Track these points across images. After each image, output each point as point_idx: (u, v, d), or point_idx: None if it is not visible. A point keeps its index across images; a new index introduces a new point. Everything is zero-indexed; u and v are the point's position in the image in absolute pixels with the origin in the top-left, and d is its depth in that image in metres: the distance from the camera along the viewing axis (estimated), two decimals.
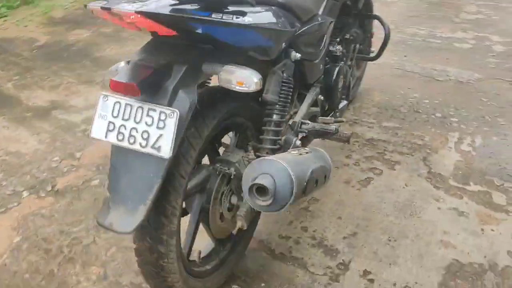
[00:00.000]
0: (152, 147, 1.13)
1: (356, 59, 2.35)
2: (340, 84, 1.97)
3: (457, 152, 2.37)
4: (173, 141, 1.12)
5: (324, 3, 1.77)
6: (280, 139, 1.51)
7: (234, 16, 1.14)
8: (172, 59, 1.19)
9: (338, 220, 1.95)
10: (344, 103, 2.10)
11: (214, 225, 1.49)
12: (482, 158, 2.31)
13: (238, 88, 1.20)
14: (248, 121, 1.53)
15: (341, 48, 1.95)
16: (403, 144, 2.43)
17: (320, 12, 1.73)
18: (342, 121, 1.98)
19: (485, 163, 2.27)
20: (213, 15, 1.11)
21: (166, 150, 1.12)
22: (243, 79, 1.19)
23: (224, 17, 1.12)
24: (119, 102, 1.18)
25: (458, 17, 4.23)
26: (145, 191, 1.14)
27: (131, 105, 1.17)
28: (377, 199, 2.07)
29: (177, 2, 1.12)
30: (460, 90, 2.95)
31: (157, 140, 1.13)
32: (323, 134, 1.60)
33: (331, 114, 2.03)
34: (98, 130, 1.20)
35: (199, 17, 1.10)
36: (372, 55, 2.53)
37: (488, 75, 3.10)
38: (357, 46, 2.24)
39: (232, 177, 1.43)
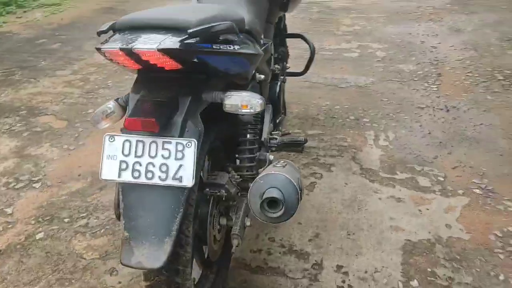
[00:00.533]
0: (174, 178, 1.16)
1: (285, 76, 2.54)
2: (281, 99, 2.12)
3: (378, 147, 2.66)
4: (194, 170, 1.16)
5: (264, 26, 1.92)
6: (255, 156, 1.60)
7: (228, 46, 1.22)
8: (176, 91, 1.23)
9: (299, 225, 2.09)
10: (282, 116, 2.27)
11: (211, 248, 1.52)
12: (399, 149, 2.63)
13: (243, 111, 1.28)
14: (221, 143, 1.60)
15: (278, 67, 2.11)
16: (331, 148, 2.67)
17: (262, 35, 1.88)
18: (289, 133, 2.14)
19: (403, 153, 2.59)
20: (214, 46, 1.18)
21: (188, 179, 1.15)
22: (247, 102, 1.27)
23: (221, 47, 1.20)
24: (128, 140, 1.19)
25: (339, 30, 4.69)
26: (168, 223, 1.16)
27: (143, 141, 1.18)
28: (326, 200, 2.25)
29: (180, 36, 1.16)
30: (362, 94, 3.30)
31: (177, 171, 1.16)
32: (293, 146, 1.73)
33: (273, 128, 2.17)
34: (109, 171, 1.19)
35: (206, 50, 1.17)
36: (289, 71, 2.74)
37: (380, 78, 3.51)
38: (285, 63, 2.42)
39: (223, 199, 1.48)
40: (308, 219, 2.13)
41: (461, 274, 1.81)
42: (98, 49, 1.17)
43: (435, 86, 3.32)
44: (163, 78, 1.27)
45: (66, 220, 2.19)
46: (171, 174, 1.17)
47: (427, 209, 2.17)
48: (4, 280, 1.87)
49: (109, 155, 1.20)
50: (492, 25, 4.46)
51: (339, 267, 1.87)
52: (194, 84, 1.28)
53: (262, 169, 1.53)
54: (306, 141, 1.75)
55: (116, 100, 1.31)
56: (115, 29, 1.24)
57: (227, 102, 1.29)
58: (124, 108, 1.31)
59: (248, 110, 1.28)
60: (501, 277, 1.79)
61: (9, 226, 2.17)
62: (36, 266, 1.93)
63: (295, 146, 1.76)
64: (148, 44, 1.11)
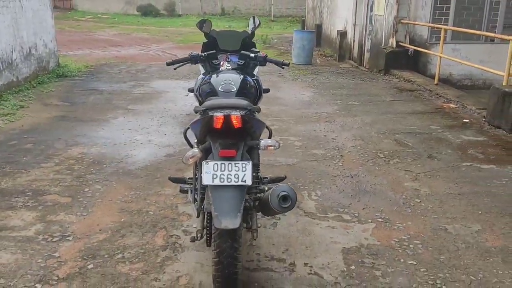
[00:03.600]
0: (242, 180, 2.22)
1: None
2: None
3: (312, 200, 3.85)
4: (251, 176, 2.24)
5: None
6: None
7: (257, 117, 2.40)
8: (237, 139, 2.34)
9: (273, 245, 3.12)
10: None
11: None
12: (325, 200, 3.83)
13: (271, 148, 2.41)
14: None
15: None
16: None
17: None
18: None
19: (329, 203, 3.80)
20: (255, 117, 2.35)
21: (249, 181, 2.23)
22: (272, 144, 2.41)
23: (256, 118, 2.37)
24: (216, 163, 2.24)
25: None
26: (238, 205, 2.19)
27: (224, 163, 2.24)
28: (286, 231, 3.32)
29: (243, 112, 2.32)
30: (292, 169, 4.54)
31: (243, 177, 2.23)
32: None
33: None
34: (206, 179, 2.22)
35: (252, 118, 2.32)
36: None
37: (302, 159, 4.81)
38: None
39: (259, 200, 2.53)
40: (278, 241, 3.17)
41: (378, 261, 2.96)
42: (211, 116, 2.27)
43: (341, 163, 4.70)
44: (230, 133, 2.37)
45: (105, 255, 2.99)
46: (240, 178, 2.23)
47: (351, 231, 3.34)
48: None
49: (206, 171, 2.23)
50: (370, 124, 6.15)
51: (306, 264, 2.92)
52: (244, 136, 2.40)
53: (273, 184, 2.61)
54: (285, 177, 2.90)
55: (197, 147, 2.37)
56: (208, 108, 2.35)
57: (262, 144, 2.41)
58: (201, 151, 2.36)
59: (273, 148, 2.41)
60: (402, 261, 2.97)
61: (62, 263, 2.91)
62: (98, 283, 2.70)
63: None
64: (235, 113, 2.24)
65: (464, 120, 6.34)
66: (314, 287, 2.70)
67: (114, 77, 9.27)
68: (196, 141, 2.80)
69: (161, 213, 3.57)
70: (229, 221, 2.17)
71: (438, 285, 2.72)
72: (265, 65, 3.37)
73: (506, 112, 5.76)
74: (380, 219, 3.53)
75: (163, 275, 2.79)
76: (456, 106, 7.10)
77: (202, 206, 2.44)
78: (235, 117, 2.29)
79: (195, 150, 2.37)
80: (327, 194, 3.97)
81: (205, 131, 2.45)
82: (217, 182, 2.25)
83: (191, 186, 2.82)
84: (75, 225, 3.39)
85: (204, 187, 2.54)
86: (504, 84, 6.27)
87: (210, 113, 2.32)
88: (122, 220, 3.47)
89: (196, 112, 2.53)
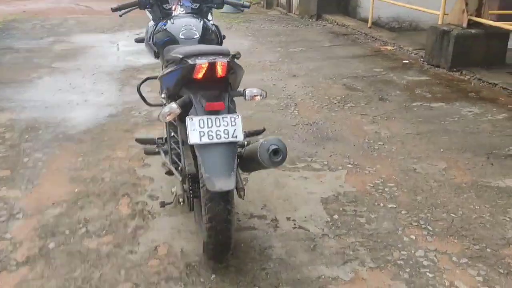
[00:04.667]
0: (232, 136, 1.98)
1: None
2: None
3: None
4: (242, 131, 2.00)
5: None
6: None
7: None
8: (221, 90, 2.07)
9: (250, 202, 2.94)
10: None
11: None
12: (290, 151, 3.70)
13: (258, 98, 2.17)
14: None
15: None
16: None
17: None
18: None
19: (294, 153, 3.66)
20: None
21: (240, 136, 2.00)
22: (259, 93, 2.17)
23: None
24: (202, 119, 1.97)
25: None
26: (231, 164, 1.97)
27: (211, 119, 1.98)
28: (258, 185, 3.15)
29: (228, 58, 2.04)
30: (249, 121, 4.33)
31: (233, 132, 1.99)
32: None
33: None
34: (193, 138, 1.95)
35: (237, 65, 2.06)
36: None
37: (258, 110, 4.61)
38: None
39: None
40: (253, 197, 3.00)
41: (359, 207, 2.89)
42: (193, 65, 1.97)
43: (296, 111, 4.55)
44: (211, 84, 2.09)
45: (67, 232, 2.66)
46: (230, 134, 1.99)
47: (325, 180, 3.24)
48: (43, 277, 2.30)
49: (192, 129, 1.96)
50: (315, 70, 6.03)
51: (288, 218, 2.79)
52: (227, 86, 2.14)
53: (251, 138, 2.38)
54: (264, 130, 2.69)
55: (176, 102, 2.08)
56: (185, 56, 2.04)
57: (247, 94, 2.16)
58: (179, 107, 2.07)
59: (260, 98, 2.18)
60: (382, 205, 2.92)
61: (17, 245, 2.54)
62: (66, 263, 2.39)
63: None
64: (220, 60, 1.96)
65: (404, 61, 6.41)
66: (303, 241, 2.58)
67: (29, 33, 8.33)
68: (164, 95, 2.50)
69: (119, 179, 3.25)
70: (224, 183, 1.94)
71: (423, 226, 2.71)
72: (222, 7, 3.07)
73: (445, 51, 5.88)
74: (349, 165, 3.46)
75: (138, 247, 2.53)
76: (393, 48, 7.17)
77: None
78: (222, 63, 2.02)
79: (173, 105, 2.08)
80: (291, 144, 3.82)
81: (181, 83, 2.15)
82: (205, 140, 1.99)
83: (164, 147, 2.54)
84: (22, 201, 2.98)
85: (182, 147, 2.27)
86: (440, 23, 6.37)
87: (191, 61, 2.02)
88: (76, 190, 3.11)
89: (157, 58, 2.22)
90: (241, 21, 9.60)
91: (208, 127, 2.00)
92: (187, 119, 2.00)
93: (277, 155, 2.11)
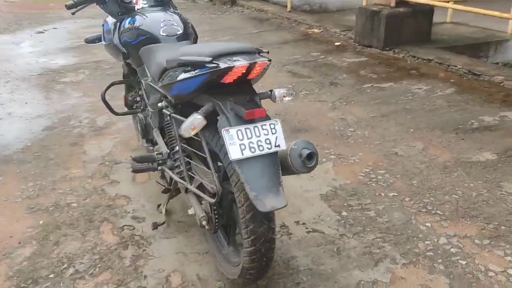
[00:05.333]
0: (275, 146, 1.71)
1: None
2: None
3: None
4: (283, 138, 1.74)
5: None
6: None
7: None
8: (253, 93, 1.79)
9: None
10: None
11: None
12: None
13: (286, 99, 1.90)
14: None
15: None
16: None
17: None
18: None
19: None
20: None
21: (283, 145, 1.73)
22: (288, 93, 1.91)
23: None
24: (240, 130, 1.67)
25: None
26: (277, 177, 1.72)
27: (249, 128, 1.69)
28: None
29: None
30: None
31: (275, 141, 1.72)
32: None
33: None
34: (235, 153, 1.66)
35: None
36: None
37: None
38: None
39: None
40: None
41: (362, 200, 2.78)
42: (231, 67, 1.67)
43: None
44: (238, 87, 1.79)
45: (51, 276, 2.22)
46: (273, 144, 1.72)
47: (315, 175, 3.07)
48: None
49: (230, 143, 1.66)
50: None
51: (297, 222, 2.59)
52: (253, 88, 1.86)
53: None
54: None
55: (199, 113, 1.75)
56: (215, 56, 1.71)
57: (277, 95, 1.89)
58: (205, 118, 1.76)
59: (290, 98, 1.92)
60: (383, 195, 2.84)
61: None
62: None
63: None
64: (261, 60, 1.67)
65: (336, 43, 6.44)
66: (323, 245, 2.40)
67: None
68: (163, 105, 2.16)
69: (89, 203, 2.81)
70: (275, 200, 1.68)
71: (433, 212, 2.66)
72: None
73: (376, 31, 5.98)
74: (332, 156, 3.33)
75: (146, 281, 2.17)
76: (320, 30, 7.19)
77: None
78: (262, 64, 1.73)
79: (197, 117, 1.75)
80: None
81: (203, 89, 1.83)
82: (247, 153, 1.69)
83: (174, 163, 2.18)
84: None
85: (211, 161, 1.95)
86: (364, 4, 6.48)
87: (225, 64, 1.70)
88: (41, 222, 2.63)
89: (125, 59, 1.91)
90: None
91: (248, 138, 1.71)
92: (223, 131, 1.69)
93: (311, 160, 1.89)
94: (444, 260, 2.28)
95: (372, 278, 2.18)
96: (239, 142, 1.69)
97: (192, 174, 2.05)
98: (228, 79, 1.73)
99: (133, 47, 2.48)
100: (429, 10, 6.02)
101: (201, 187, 2.04)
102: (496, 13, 5.17)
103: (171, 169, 2.19)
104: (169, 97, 2.05)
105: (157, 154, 2.26)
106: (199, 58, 1.75)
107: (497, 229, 2.51)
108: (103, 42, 2.79)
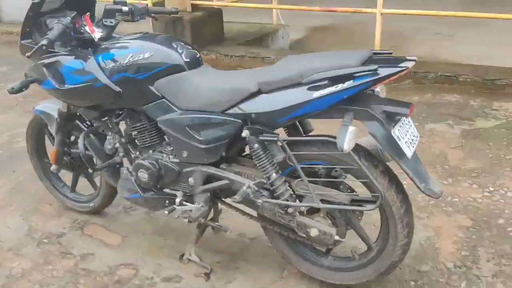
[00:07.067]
0: (416, 137, 1.87)
1: None
2: None
3: None
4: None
5: None
6: None
7: None
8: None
9: None
10: None
11: None
12: None
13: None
14: None
15: None
16: None
17: None
18: None
19: None
20: None
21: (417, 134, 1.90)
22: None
23: None
24: (399, 128, 1.77)
25: None
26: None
27: (404, 124, 1.82)
28: None
29: None
30: None
31: (415, 131, 1.88)
32: None
33: None
34: (407, 151, 1.77)
35: None
36: None
37: None
38: None
39: None
40: None
41: None
42: (402, 70, 1.67)
43: None
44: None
45: None
46: (416, 135, 1.86)
47: None
48: None
49: (401, 143, 1.74)
50: None
51: None
52: None
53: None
54: None
55: (349, 124, 1.74)
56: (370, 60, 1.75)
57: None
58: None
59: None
60: None
61: None
62: None
63: None
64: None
65: None
66: None
67: None
68: (247, 134, 1.93)
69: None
70: (436, 185, 1.84)
71: None
72: (145, 18, 2.50)
73: (181, 36, 6.11)
74: None
75: None
76: None
77: None
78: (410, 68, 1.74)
79: (353, 128, 1.72)
80: None
81: (346, 101, 1.79)
82: (412, 149, 1.79)
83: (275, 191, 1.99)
84: None
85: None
86: None
87: (386, 71, 1.68)
88: None
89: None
90: None
91: (406, 135, 1.79)
92: (392, 134, 1.74)
93: None
94: None
95: None
96: (404, 140, 1.78)
97: (308, 193, 1.96)
98: (378, 85, 1.77)
99: (138, 82, 2.11)
100: (219, 12, 6.52)
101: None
102: (260, 5, 6.35)
103: (274, 197, 2.02)
104: (277, 123, 1.92)
105: (247, 188, 2.00)
106: (362, 68, 1.70)
107: None
108: (59, 87, 2.21)
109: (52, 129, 2.60)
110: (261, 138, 1.94)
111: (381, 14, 5.20)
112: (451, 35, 7.62)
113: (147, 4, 2.49)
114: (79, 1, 2.42)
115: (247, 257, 2.46)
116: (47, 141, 2.88)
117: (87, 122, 2.58)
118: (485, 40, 7.09)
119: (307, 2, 7.71)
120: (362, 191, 2.06)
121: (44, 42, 2.01)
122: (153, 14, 2.46)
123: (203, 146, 2.07)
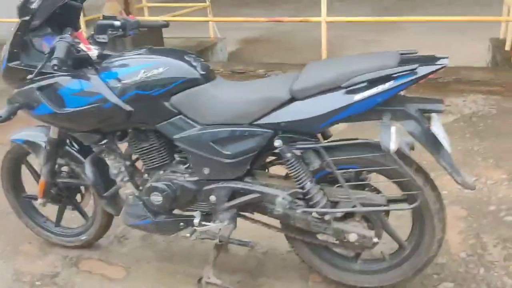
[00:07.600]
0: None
1: None
2: None
3: None
4: None
5: None
6: None
7: None
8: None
9: None
10: None
11: None
12: None
13: None
14: None
15: None
16: None
17: None
18: None
19: None
20: None
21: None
22: None
23: None
24: (435, 125, 1.77)
25: None
26: None
27: (436, 122, 1.80)
28: None
29: None
30: None
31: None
32: None
33: None
34: (447, 147, 1.78)
35: None
36: None
37: None
38: None
39: None
40: None
41: None
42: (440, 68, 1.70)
43: None
44: None
45: None
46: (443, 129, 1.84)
47: None
48: None
49: (441, 138, 1.75)
50: None
51: None
52: None
53: None
54: None
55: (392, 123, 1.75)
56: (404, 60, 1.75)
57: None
58: None
59: None
60: None
61: None
62: None
63: None
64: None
65: None
66: None
67: None
68: (280, 143, 1.87)
69: None
70: (471, 178, 1.91)
71: None
72: (136, 33, 2.37)
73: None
74: None
75: None
76: None
77: None
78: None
79: (395, 128, 1.71)
80: None
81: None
82: (448, 144, 1.80)
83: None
84: None
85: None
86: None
87: (426, 68, 1.71)
88: None
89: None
90: None
91: (441, 131, 1.79)
92: (433, 131, 1.74)
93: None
94: None
95: None
96: (441, 136, 1.77)
97: (344, 199, 1.93)
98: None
99: (153, 99, 1.97)
100: (160, 28, 6.35)
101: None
102: (198, 18, 6.57)
103: (309, 206, 1.96)
104: (313, 130, 1.88)
105: (282, 199, 1.93)
106: (403, 67, 1.70)
107: None
108: (59, 111, 2.01)
109: (40, 159, 2.36)
110: (298, 146, 1.90)
111: (326, 22, 5.38)
112: (375, 40, 8.05)
113: (137, 19, 2.35)
114: (61, 17, 2.23)
115: (266, 273, 2.39)
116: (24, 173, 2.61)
117: (75, 148, 2.38)
118: (406, 44, 7.56)
119: (231, 14, 7.83)
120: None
121: (55, 62, 1.82)
122: (144, 28, 2.34)
123: (229, 161, 1.98)
